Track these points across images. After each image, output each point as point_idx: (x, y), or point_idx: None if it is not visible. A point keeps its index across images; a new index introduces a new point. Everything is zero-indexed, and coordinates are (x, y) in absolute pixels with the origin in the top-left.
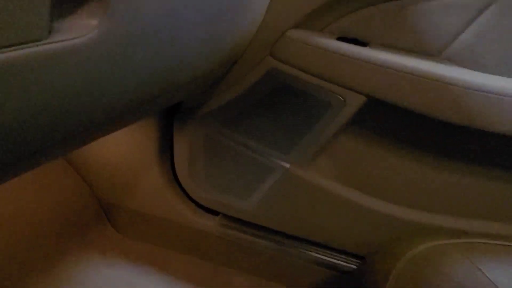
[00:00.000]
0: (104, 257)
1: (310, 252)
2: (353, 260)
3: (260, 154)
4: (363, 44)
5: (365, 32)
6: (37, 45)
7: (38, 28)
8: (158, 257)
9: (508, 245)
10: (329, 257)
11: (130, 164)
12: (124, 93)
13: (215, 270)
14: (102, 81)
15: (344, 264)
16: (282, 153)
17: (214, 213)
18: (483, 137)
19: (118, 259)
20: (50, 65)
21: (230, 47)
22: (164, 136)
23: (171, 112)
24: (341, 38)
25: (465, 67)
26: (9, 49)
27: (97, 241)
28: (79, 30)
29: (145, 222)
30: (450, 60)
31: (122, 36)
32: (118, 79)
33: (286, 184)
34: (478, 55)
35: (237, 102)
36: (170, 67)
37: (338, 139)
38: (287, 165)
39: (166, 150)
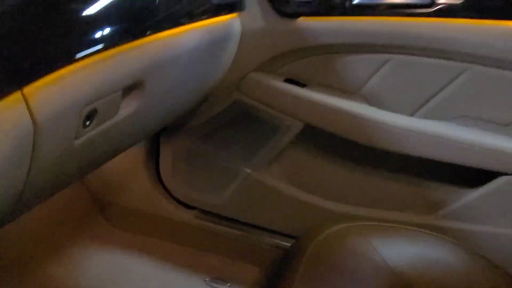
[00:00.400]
0: (99, 246)
1: (266, 237)
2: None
3: (228, 161)
4: (303, 85)
5: (306, 75)
6: (112, 119)
7: (115, 110)
8: (145, 245)
9: (396, 227)
10: (280, 240)
11: (121, 169)
12: (142, 135)
13: (193, 254)
14: (135, 132)
15: (288, 245)
16: (245, 161)
17: (192, 208)
18: (379, 152)
19: (111, 248)
20: (114, 130)
21: (208, 87)
22: (151, 147)
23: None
24: (288, 79)
25: (373, 103)
26: (102, 124)
27: (93, 232)
28: (128, 108)
29: (134, 216)
30: (364, 97)
31: (149, 107)
32: (141, 130)
33: (248, 185)
34: (381, 95)
35: (211, 123)
36: (172, 112)
37: (286, 152)
38: (249, 171)
39: (152, 158)
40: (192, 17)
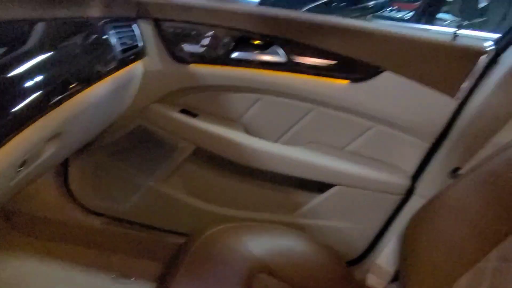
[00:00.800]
0: (7, 253)
1: (166, 237)
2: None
3: (133, 175)
4: (195, 114)
5: (198, 107)
6: (36, 162)
7: (38, 156)
8: (54, 250)
9: (263, 225)
10: (178, 239)
11: None
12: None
13: (100, 255)
14: (54, 164)
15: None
16: (148, 175)
17: (100, 214)
18: (258, 171)
19: (19, 254)
20: (38, 169)
21: (114, 118)
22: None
23: None
24: (183, 110)
25: (250, 130)
26: (29, 167)
27: (1, 240)
28: (48, 151)
29: (42, 224)
30: (243, 126)
31: (65, 146)
32: (58, 161)
33: (150, 194)
34: (255, 125)
35: (117, 143)
36: (84, 141)
37: (181, 167)
38: (151, 182)
39: (61, 170)
40: (104, 74)
